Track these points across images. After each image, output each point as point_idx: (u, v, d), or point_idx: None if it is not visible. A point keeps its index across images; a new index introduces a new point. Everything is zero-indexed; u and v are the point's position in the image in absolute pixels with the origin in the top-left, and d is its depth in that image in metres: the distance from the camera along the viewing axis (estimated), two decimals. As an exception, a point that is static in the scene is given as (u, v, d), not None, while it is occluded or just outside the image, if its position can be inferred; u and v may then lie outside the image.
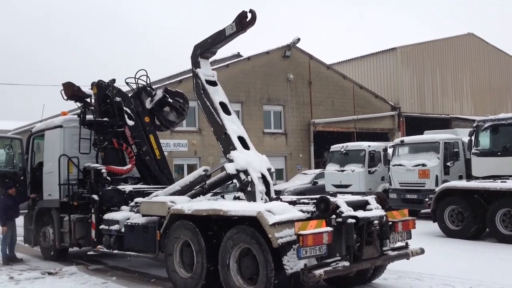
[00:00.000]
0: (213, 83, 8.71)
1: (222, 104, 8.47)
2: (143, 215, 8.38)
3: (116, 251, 8.92)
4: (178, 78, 25.08)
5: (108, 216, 9.21)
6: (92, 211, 9.45)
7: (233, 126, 8.27)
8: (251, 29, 7.99)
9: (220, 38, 8.34)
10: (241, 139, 8.18)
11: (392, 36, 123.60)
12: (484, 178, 12.23)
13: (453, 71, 34.20)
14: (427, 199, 13.12)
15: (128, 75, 10.93)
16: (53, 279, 8.72)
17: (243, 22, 7.94)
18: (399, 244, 7.06)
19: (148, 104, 10.91)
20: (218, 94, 8.61)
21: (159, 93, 10.95)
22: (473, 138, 12.87)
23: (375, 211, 6.71)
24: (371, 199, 7.02)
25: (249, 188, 7.56)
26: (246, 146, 8.17)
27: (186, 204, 7.52)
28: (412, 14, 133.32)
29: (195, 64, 8.76)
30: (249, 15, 7.88)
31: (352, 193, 13.32)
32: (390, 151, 17.27)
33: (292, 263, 5.91)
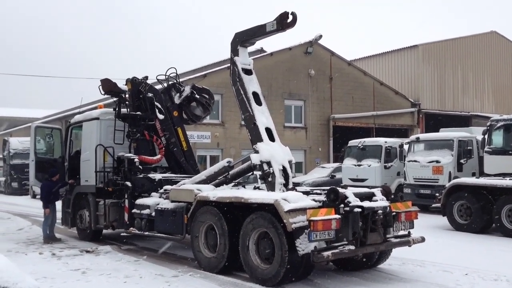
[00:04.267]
0: (248, 72, 9.10)
1: (254, 94, 8.95)
2: (172, 201, 9.19)
3: (147, 233, 9.83)
4: (203, 72, 25.87)
5: (139, 201, 10.08)
6: (126, 196, 10.31)
7: (262, 118, 8.76)
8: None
9: (260, 32, 8.66)
10: (268, 130, 8.74)
11: (414, 33, 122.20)
12: (495, 175, 12.77)
13: (475, 69, 34.16)
14: (437, 194, 13.72)
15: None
16: (90, 256, 9.68)
17: (284, 22, 8.17)
18: (401, 232, 7.74)
19: (177, 100, 11.74)
20: (252, 84, 9.01)
21: (187, 90, 11.77)
22: (486, 136, 13.38)
23: (380, 202, 7.42)
24: (377, 191, 7.72)
25: (270, 179, 8.26)
26: (272, 137, 8.73)
27: (211, 192, 8.33)
28: (434, 12, 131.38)
29: (234, 51, 9.07)
30: (290, 17, 8.11)
31: (368, 187, 13.95)
32: (406, 147, 17.85)
33: (304, 245, 6.67)
